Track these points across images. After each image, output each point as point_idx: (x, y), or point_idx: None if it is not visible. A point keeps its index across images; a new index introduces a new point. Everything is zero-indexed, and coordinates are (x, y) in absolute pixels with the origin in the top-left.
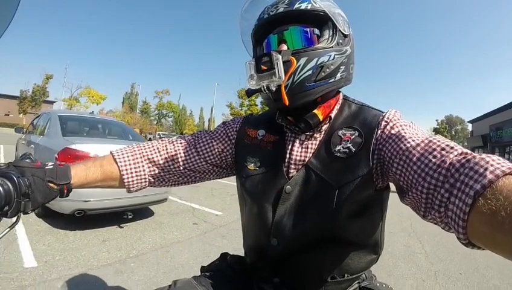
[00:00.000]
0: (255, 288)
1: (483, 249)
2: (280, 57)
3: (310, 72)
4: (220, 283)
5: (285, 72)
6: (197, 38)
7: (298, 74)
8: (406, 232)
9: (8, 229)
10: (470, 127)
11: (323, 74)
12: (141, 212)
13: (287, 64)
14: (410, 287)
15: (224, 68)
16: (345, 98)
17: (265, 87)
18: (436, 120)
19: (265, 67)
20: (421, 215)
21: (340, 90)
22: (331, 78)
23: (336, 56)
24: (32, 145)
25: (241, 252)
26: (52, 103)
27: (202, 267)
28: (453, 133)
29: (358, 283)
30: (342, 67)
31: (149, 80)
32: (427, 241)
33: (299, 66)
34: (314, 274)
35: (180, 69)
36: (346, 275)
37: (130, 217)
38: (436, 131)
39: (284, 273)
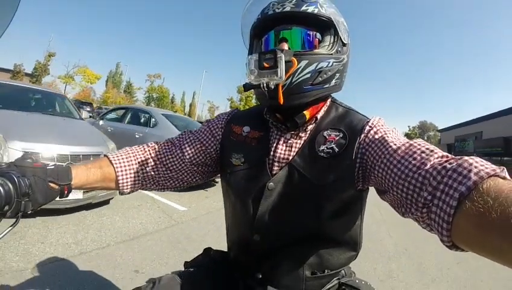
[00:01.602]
0: (237, 283)
1: (467, 251)
2: (283, 56)
3: (309, 75)
4: (204, 278)
5: (285, 72)
6: (186, 21)
7: (297, 75)
8: (369, 203)
9: (9, 228)
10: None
11: (320, 78)
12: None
13: (288, 64)
14: (370, 223)
15: (213, 55)
16: (333, 101)
17: (264, 85)
18: (408, 126)
19: (268, 65)
20: (401, 213)
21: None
22: (326, 84)
23: (334, 63)
24: (137, 134)
25: (224, 248)
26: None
27: (185, 262)
28: (425, 138)
29: (338, 279)
30: (337, 75)
31: (134, 61)
32: (383, 208)
33: (300, 67)
34: (295, 269)
35: (167, 51)
36: (326, 271)
37: (216, 183)
38: (406, 136)
39: (266, 268)
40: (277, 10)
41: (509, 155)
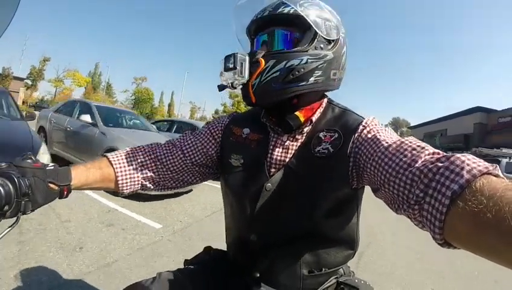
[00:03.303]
0: (236, 281)
1: (459, 249)
2: (246, 58)
3: (277, 73)
4: (203, 275)
5: (254, 72)
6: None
7: (265, 74)
8: None
9: (8, 229)
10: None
11: (291, 76)
12: None
13: (255, 64)
14: None
15: (198, 56)
16: (330, 102)
17: (230, 84)
18: (382, 124)
19: (231, 66)
20: (394, 210)
21: (325, 94)
22: (301, 82)
23: (309, 60)
24: None
25: (224, 247)
26: (22, 79)
27: (185, 260)
28: (398, 134)
29: (337, 278)
30: (318, 72)
31: (112, 61)
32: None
33: (268, 67)
34: (293, 268)
35: (148, 51)
36: (323, 269)
37: None
38: None
39: (263, 267)
40: (259, 16)
41: (469, 149)
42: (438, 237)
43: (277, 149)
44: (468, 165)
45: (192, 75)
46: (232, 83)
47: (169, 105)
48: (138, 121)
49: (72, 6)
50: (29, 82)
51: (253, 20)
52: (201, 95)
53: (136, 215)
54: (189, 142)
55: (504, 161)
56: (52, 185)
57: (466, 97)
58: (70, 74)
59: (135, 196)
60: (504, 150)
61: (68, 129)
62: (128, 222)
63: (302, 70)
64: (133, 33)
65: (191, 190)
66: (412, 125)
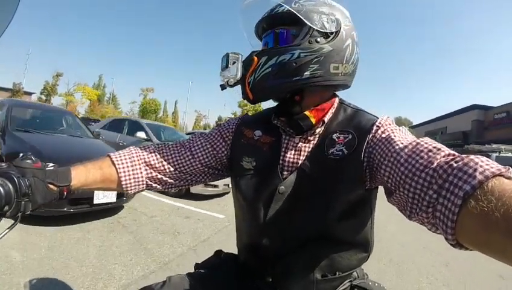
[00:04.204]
0: (248, 286)
1: (471, 250)
2: (239, 56)
3: (270, 69)
4: (214, 279)
5: (247, 70)
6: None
7: (259, 71)
8: None
9: (8, 229)
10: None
11: (284, 71)
12: None
13: (250, 62)
14: None
15: (198, 64)
16: (341, 102)
17: (226, 83)
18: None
19: (225, 65)
20: (407, 215)
21: (336, 93)
22: (296, 76)
23: (301, 54)
24: None
25: (235, 250)
26: (30, 94)
27: (196, 264)
28: None
29: (350, 281)
30: (314, 66)
31: (116, 73)
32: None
33: (260, 64)
34: (306, 272)
35: (152, 61)
36: (337, 273)
37: None
38: None
39: (276, 272)
40: (260, 19)
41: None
42: (450, 237)
43: (289, 151)
44: (481, 166)
45: (195, 84)
46: (227, 81)
47: (173, 114)
48: (177, 135)
49: (74, 19)
50: (43, 97)
51: (257, 23)
52: (205, 103)
53: (201, 210)
54: (199, 143)
55: (494, 155)
56: (51, 186)
57: (467, 94)
58: (81, 88)
59: (193, 196)
60: (494, 146)
61: (121, 144)
62: (199, 215)
63: (295, 64)
64: (136, 41)
65: (229, 191)
66: (414, 124)
